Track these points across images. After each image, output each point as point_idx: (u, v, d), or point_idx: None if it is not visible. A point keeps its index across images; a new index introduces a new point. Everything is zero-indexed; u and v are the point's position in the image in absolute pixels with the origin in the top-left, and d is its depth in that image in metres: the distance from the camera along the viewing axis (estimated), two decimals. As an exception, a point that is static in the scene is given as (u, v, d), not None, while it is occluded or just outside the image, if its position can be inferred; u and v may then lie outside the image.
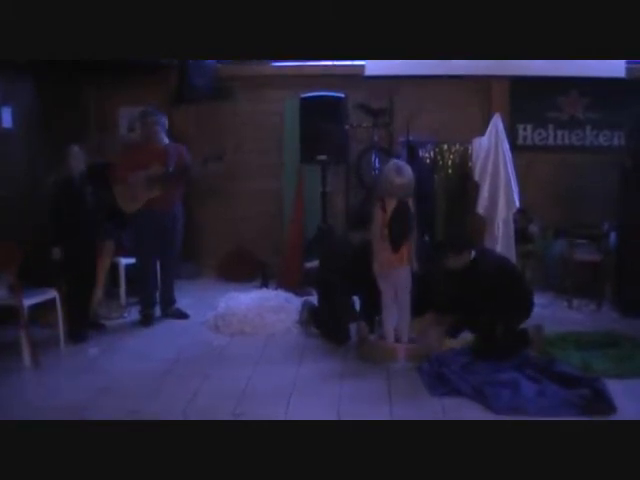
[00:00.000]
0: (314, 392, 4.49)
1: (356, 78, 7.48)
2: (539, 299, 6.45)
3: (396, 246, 5.01)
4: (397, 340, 5.15)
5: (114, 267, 6.55)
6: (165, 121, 6.13)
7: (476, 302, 4.92)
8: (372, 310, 5.36)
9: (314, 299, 6.01)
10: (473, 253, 5.07)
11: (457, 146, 6.78)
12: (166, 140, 6.10)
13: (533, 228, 7.15)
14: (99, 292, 6.19)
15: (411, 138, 6.73)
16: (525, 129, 7.74)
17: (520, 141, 7.71)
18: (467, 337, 5.12)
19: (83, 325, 5.67)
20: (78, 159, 5.66)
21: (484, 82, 7.57)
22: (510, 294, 4.98)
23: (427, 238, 5.70)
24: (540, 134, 7.74)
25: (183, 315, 6.32)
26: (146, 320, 6.15)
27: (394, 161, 5.34)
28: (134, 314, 6.31)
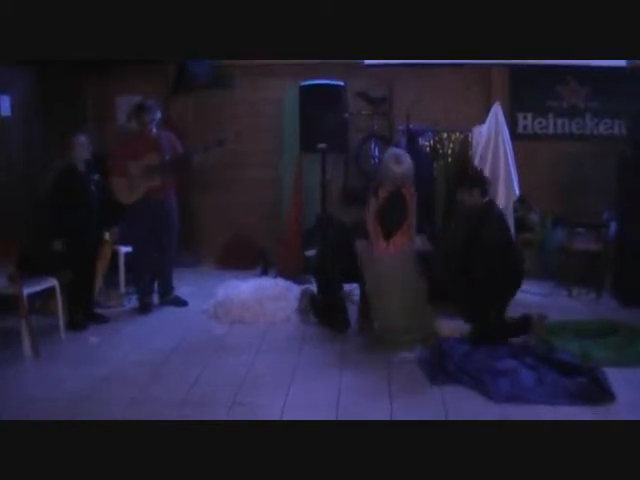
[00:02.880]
0: (314, 381, 4.50)
1: (356, 66, 7.45)
2: (539, 288, 6.49)
3: (388, 235, 5.03)
4: None
5: (114, 255, 6.55)
6: (159, 114, 6.12)
7: (479, 264, 4.99)
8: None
9: (314, 287, 6.01)
10: (486, 198, 5.22)
11: (457, 134, 6.76)
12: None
13: (533, 217, 7.15)
14: (99, 281, 6.20)
15: (411, 126, 6.71)
16: (525, 118, 7.73)
17: (520, 130, 7.70)
18: (466, 327, 5.13)
19: (83, 314, 5.67)
20: (84, 148, 5.64)
21: (484, 70, 7.54)
22: (506, 256, 5.05)
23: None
24: (540, 123, 7.73)
25: (182, 302, 6.32)
26: (145, 308, 6.16)
27: (393, 150, 5.36)
28: (133, 302, 6.33)
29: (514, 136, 6.77)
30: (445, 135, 6.76)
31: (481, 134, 6.24)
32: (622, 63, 7.27)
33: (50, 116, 6.95)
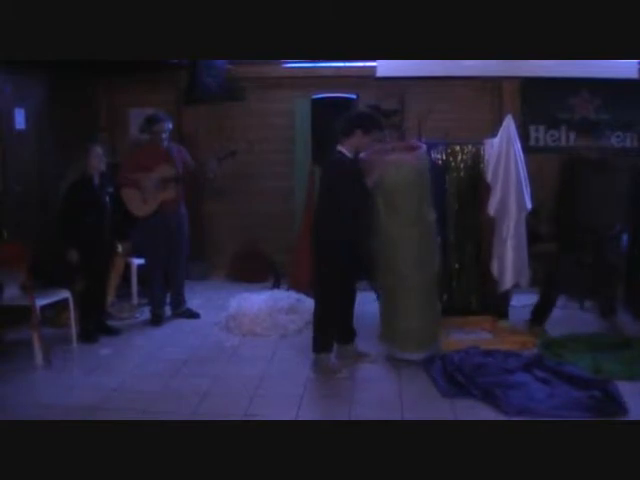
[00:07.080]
0: (326, 393, 4.50)
1: (367, 79, 7.48)
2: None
3: None
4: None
5: (126, 267, 6.59)
6: (171, 125, 6.16)
7: None
8: None
9: None
10: None
11: (469, 147, 6.76)
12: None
13: (544, 229, 7.12)
14: (111, 293, 6.23)
15: (423, 139, 6.71)
16: (537, 130, 7.73)
17: (532, 142, 7.70)
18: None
19: (95, 326, 5.69)
20: (99, 159, 5.65)
21: (495, 82, 7.55)
22: None
23: (439, 238, 5.68)
24: (552, 135, 7.73)
25: (194, 315, 6.34)
26: (157, 320, 6.18)
27: None
28: (146, 314, 6.34)
29: (526, 149, 6.76)
30: (457, 148, 6.76)
31: (493, 147, 6.23)
32: (634, 75, 7.26)
33: (63, 128, 7.00)
